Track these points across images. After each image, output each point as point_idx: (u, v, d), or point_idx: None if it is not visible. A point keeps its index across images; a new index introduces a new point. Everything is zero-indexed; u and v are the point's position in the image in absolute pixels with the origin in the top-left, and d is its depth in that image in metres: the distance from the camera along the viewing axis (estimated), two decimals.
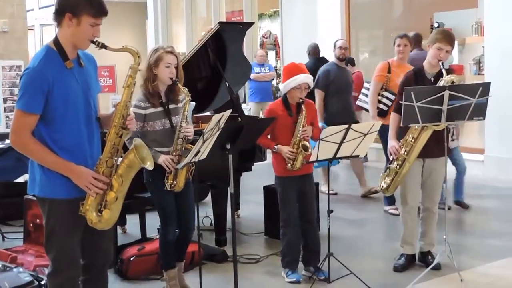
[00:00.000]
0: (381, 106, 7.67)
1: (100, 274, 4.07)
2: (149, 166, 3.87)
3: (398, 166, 5.68)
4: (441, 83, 5.48)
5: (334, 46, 9.09)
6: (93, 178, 3.70)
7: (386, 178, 5.80)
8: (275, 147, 5.49)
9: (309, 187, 5.63)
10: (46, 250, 3.87)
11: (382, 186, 5.85)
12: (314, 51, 11.91)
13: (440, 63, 5.59)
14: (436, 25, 12.32)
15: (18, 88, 3.73)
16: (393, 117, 5.79)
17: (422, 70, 5.80)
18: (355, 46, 13.22)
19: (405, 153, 5.62)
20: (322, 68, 8.96)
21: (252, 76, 13.07)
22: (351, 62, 12.08)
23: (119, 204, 3.81)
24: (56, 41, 3.74)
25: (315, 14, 13.32)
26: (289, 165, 5.45)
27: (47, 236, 3.81)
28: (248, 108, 13.44)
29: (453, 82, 5.46)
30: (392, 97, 7.35)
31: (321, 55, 11.77)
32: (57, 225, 3.77)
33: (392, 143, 5.73)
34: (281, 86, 5.57)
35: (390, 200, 7.78)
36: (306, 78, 5.51)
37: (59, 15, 3.71)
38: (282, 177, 5.58)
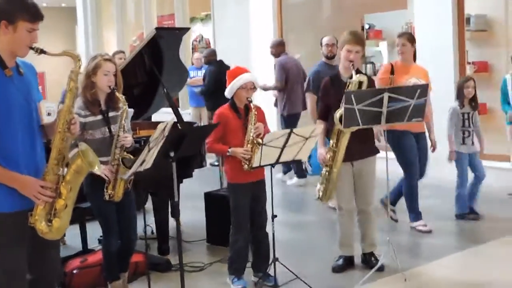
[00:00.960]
0: None
1: None
2: (97, 170, 3.86)
3: (327, 173, 5.73)
4: (350, 86, 5.52)
5: (321, 44, 8.44)
6: (40, 187, 3.61)
7: (320, 185, 5.83)
8: (229, 150, 5.42)
9: (262, 193, 5.60)
10: None
11: (319, 195, 5.87)
12: (211, 56, 11.92)
13: (351, 64, 5.64)
14: (367, 26, 12.51)
15: None
16: (319, 125, 5.75)
17: (338, 74, 5.88)
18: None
19: (330, 159, 5.67)
20: (312, 69, 8.39)
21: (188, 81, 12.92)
22: None
23: (68, 211, 3.73)
24: None
25: (247, 16, 13.33)
26: (246, 165, 5.37)
27: None
28: (189, 112, 13.28)
29: (360, 82, 5.52)
30: None
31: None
32: (1, 240, 3.64)
33: (320, 150, 5.79)
34: (226, 90, 5.52)
35: (416, 216, 7.23)
36: (250, 77, 5.48)
37: None
38: (235, 183, 5.53)
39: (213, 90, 11.25)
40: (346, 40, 5.72)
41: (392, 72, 6.70)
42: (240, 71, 5.53)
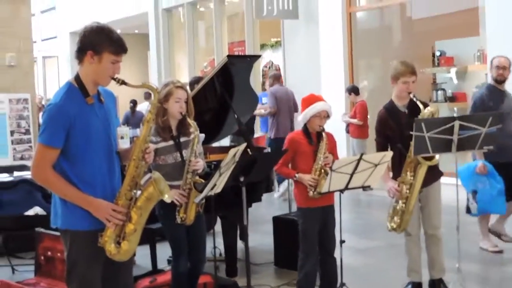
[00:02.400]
0: None
1: None
2: (168, 198, 3.95)
3: (403, 205, 5.68)
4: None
5: (491, 65, 7.59)
6: (112, 210, 3.76)
7: (395, 217, 5.77)
8: (296, 175, 5.49)
9: (331, 219, 5.61)
10: (67, 282, 3.92)
11: (392, 226, 5.83)
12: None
13: (411, 95, 5.64)
14: (438, 53, 12.43)
15: (41, 123, 3.82)
16: (389, 152, 5.61)
17: (393, 104, 5.82)
18: (356, 74, 13.29)
19: (407, 191, 5.63)
20: (479, 92, 7.70)
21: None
22: (355, 91, 12.23)
23: (137, 235, 3.86)
24: (77, 77, 3.84)
25: (317, 43, 13.39)
26: (311, 192, 5.44)
27: (69, 268, 3.87)
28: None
29: (432, 114, 5.51)
30: None
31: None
32: (79, 256, 3.83)
33: (390, 184, 5.70)
34: (300, 117, 5.60)
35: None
36: (324, 106, 5.53)
37: (81, 53, 3.81)
38: (304, 208, 5.56)
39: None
40: (401, 72, 5.68)
41: None
42: (314, 99, 5.59)
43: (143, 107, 16.52)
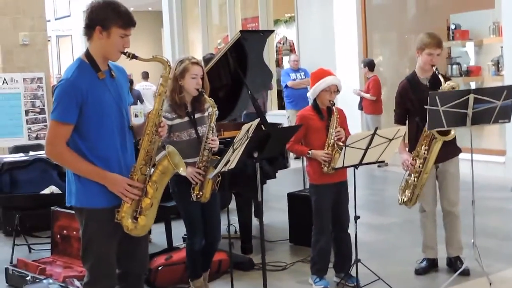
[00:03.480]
0: None
1: (136, 283, 4.11)
2: (182, 171, 3.95)
3: (415, 179, 5.67)
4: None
5: None
6: (128, 185, 3.77)
7: (406, 191, 5.77)
8: (309, 152, 5.47)
9: (344, 195, 5.61)
10: (82, 260, 3.94)
11: (403, 199, 5.81)
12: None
13: (434, 68, 5.59)
14: (452, 26, 12.31)
15: (53, 100, 3.81)
16: (403, 126, 5.67)
17: (416, 76, 5.78)
18: (370, 49, 13.20)
19: (420, 165, 5.61)
20: None
21: (289, 83, 13.02)
22: (371, 65, 12.15)
23: (154, 210, 3.87)
24: (87, 54, 3.82)
25: (331, 18, 13.31)
26: (325, 168, 5.42)
27: (84, 246, 3.88)
28: (287, 116, 13.09)
29: (453, 88, 5.46)
30: None
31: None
32: (95, 234, 3.83)
33: (404, 156, 5.68)
34: (310, 92, 5.57)
35: None
36: (334, 80, 5.50)
37: (89, 29, 3.79)
38: (318, 184, 5.56)
39: None
40: (426, 43, 5.64)
41: None
42: (324, 73, 5.55)
43: (140, 86, 16.80)
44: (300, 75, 13.10)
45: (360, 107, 12.32)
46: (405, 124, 5.74)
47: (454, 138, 5.68)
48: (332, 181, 5.49)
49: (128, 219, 3.80)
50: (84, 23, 3.82)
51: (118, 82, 3.93)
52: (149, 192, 3.82)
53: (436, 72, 5.57)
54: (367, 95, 11.97)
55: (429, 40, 5.64)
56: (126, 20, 3.78)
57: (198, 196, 5.14)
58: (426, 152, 5.56)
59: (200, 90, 5.14)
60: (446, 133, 5.50)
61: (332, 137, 5.43)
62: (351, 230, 5.54)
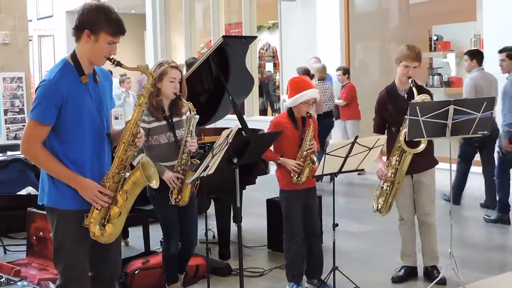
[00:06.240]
0: None
1: (109, 287, 4.08)
2: (154, 185, 3.91)
3: (388, 188, 5.73)
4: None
5: None
6: (99, 192, 3.74)
7: (380, 199, 5.82)
8: (280, 159, 5.49)
9: (314, 201, 5.65)
10: (54, 262, 3.90)
11: (377, 207, 5.85)
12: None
13: (410, 80, 5.63)
14: (434, 37, 12.40)
15: (33, 99, 3.77)
16: (383, 136, 5.68)
17: (394, 87, 5.84)
18: (353, 57, 13.24)
19: (392, 175, 5.66)
20: None
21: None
22: (347, 72, 12.12)
23: (122, 219, 3.84)
24: (73, 55, 3.80)
25: (314, 25, 13.35)
26: (295, 178, 5.45)
27: (56, 248, 3.85)
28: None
29: (423, 101, 5.50)
30: None
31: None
32: (66, 236, 3.80)
33: (379, 165, 5.77)
34: (288, 100, 5.57)
35: None
36: (314, 93, 5.52)
37: (78, 31, 3.77)
38: (287, 190, 5.58)
39: None
40: (404, 55, 5.68)
41: None
42: (305, 85, 5.56)
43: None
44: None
45: (338, 117, 12.18)
46: (383, 133, 5.78)
47: (431, 150, 5.72)
48: (302, 187, 5.51)
49: (95, 226, 3.77)
50: (74, 24, 3.80)
51: (101, 87, 3.90)
52: (119, 201, 3.79)
53: (412, 85, 5.60)
54: (339, 101, 11.89)
55: (407, 52, 5.69)
56: (116, 28, 3.76)
57: (177, 200, 5.13)
58: (397, 163, 5.62)
59: (178, 94, 5.14)
60: (416, 145, 5.53)
61: (306, 149, 5.44)
62: (329, 238, 5.54)
